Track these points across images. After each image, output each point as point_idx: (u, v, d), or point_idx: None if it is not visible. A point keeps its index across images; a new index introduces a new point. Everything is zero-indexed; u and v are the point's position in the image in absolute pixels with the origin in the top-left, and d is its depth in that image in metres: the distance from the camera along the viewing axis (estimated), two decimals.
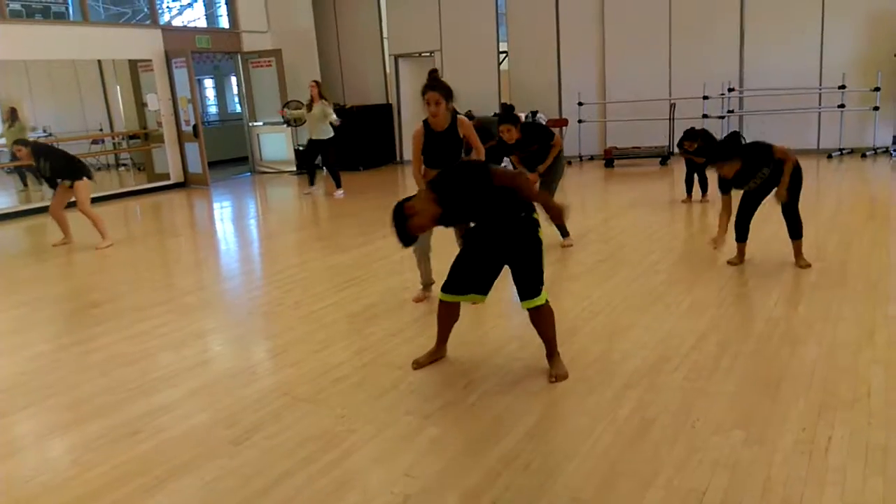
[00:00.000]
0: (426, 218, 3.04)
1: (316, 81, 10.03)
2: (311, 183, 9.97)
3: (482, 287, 3.33)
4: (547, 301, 3.23)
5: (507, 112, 6.59)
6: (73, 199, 7.09)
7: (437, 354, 3.52)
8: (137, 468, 2.67)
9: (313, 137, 9.83)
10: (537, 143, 5.69)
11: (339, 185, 9.74)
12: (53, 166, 7.03)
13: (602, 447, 2.60)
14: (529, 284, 3.18)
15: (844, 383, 2.98)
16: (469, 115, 7.93)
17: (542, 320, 3.26)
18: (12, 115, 11.46)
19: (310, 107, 9.83)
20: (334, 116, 9.80)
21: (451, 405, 3.05)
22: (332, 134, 9.75)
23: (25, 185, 12.00)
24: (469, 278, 3.30)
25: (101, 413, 3.18)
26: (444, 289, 3.35)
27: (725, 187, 4.71)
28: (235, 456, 2.72)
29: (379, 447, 2.73)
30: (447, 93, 4.17)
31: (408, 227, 3.02)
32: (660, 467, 2.44)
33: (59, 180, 7.04)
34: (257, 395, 3.27)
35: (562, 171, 5.93)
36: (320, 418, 3.00)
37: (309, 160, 10.09)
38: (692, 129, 6.78)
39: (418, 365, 3.46)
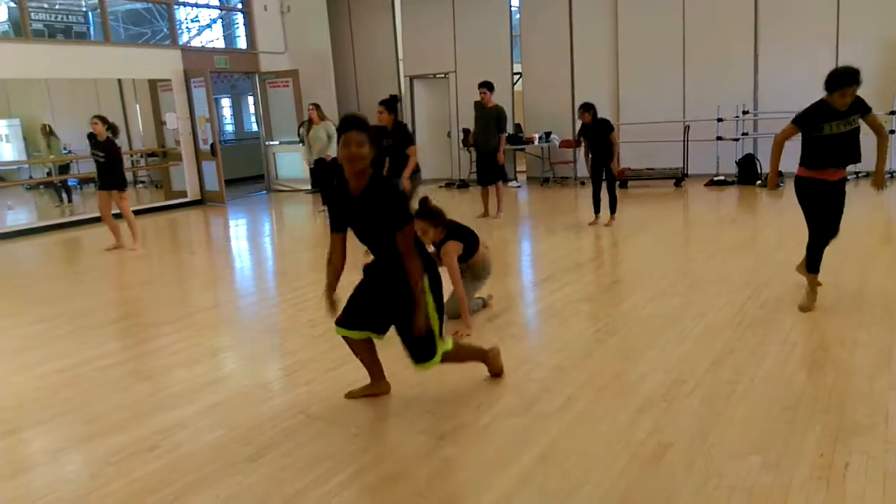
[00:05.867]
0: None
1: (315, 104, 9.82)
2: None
3: (377, 326, 3.21)
4: (445, 352, 3.18)
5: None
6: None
7: (372, 389, 3.40)
8: (154, 484, 2.69)
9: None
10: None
11: None
12: (118, 163, 7.74)
13: (617, 471, 2.59)
14: (412, 348, 3.14)
15: (861, 409, 2.96)
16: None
17: (452, 361, 3.29)
18: (49, 132, 11.82)
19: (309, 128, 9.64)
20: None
21: (464, 426, 3.05)
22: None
23: (61, 199, 12.24)
24: (361, 314, 3.20)
25: (119, 428, 3.21)
26: (338, 322, 3.24)
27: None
28: (251, 473, 2.73)
29: (392, 467, 2.74)
30: (436, 219, 4.29)
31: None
32: (675, 492, 2.43)
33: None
34: (272, 412, 3.30)
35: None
36: (334, 437, 3.01)
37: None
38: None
39: (350, 396, 3.40)
